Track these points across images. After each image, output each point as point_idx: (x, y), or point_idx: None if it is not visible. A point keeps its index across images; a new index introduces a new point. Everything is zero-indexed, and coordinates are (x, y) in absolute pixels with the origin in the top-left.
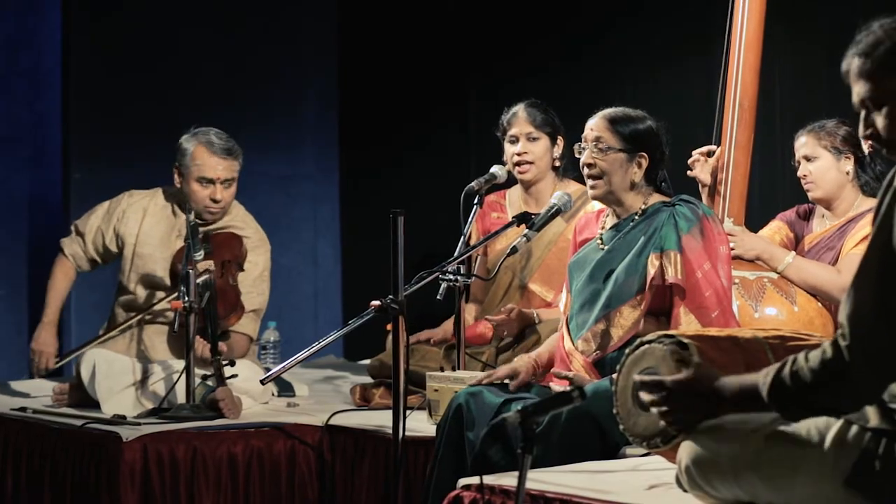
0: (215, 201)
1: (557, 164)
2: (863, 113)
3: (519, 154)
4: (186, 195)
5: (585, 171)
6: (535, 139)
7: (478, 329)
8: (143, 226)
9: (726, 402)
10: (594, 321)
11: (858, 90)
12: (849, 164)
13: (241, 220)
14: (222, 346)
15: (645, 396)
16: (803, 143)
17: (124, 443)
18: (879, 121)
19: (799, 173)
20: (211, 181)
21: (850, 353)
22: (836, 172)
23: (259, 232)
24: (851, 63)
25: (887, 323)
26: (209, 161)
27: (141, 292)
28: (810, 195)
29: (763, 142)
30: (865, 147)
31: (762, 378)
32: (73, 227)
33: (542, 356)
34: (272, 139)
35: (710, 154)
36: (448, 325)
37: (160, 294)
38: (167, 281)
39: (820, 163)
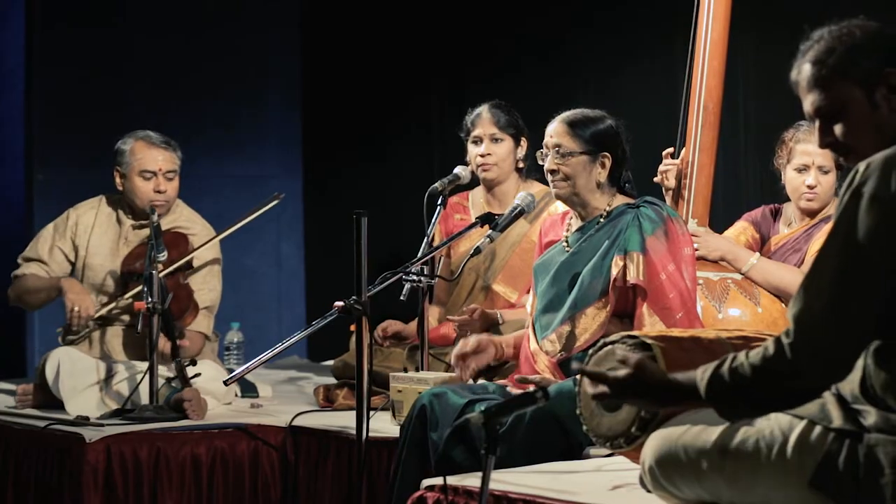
0: (160, 192)
1: (521, 165)
2: (818, 122)
3: (482, 155)
4: (130, 195)
5: (550, 177)
6: (498, 140)
7: (441, 330)
8: (91, 238)
9: (668, 400)
10: (560, 322)
11: (813, 99)
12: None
13: (186, 220)
14: (183, 343)
15: (589, 389)
16: (822, 153)
17: (87, 444)
18: (837, 128)
19: (808, 182)
20: (153, 173)
21: (793, 352)
22: (833, 187)
23: (206, 228)
24: (802, 72)
25: (839, 324)
26: (149, 153)
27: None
28: (807, 205)
29: (727, 144)
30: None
31: (700, 374)
32: (20, 260)
33: (507, 341)
34: (236, 140)
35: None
36: (414, 327)
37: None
38: (119, 287)
39: (831, 177)
